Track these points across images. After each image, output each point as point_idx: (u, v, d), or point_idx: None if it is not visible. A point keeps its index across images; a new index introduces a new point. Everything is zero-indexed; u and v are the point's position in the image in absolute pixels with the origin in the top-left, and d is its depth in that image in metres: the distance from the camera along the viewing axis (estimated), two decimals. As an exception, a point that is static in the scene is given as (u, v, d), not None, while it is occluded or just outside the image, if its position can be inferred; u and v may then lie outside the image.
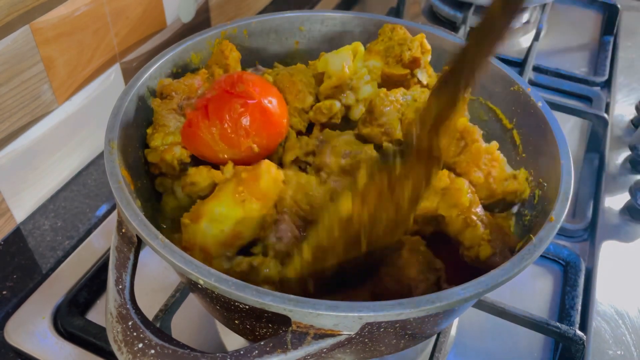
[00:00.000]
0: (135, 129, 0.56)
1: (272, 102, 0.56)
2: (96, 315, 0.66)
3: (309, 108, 0.62)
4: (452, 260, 0.52)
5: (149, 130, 0.57)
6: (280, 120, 0.57)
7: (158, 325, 0.60)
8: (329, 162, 0.56)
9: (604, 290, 0.70)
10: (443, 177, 0.51)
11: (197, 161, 0.57)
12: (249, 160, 0.54)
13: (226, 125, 0.53)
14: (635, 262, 0.74)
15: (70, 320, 0.63)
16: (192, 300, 0.66)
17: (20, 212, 0.74)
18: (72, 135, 0.78)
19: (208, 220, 0.50)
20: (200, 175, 0.54)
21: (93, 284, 0.68)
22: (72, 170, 0.81)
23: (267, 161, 0.51)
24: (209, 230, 0.49)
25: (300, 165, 0.59)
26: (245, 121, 0.53)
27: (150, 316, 0.60)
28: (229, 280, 0.40)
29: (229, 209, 0.50)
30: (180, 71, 0.63)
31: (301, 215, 0.54)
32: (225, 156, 0.54)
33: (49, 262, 0.71)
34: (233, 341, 0.64)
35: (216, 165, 0.55)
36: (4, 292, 0.66)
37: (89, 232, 0.75)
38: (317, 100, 0.63)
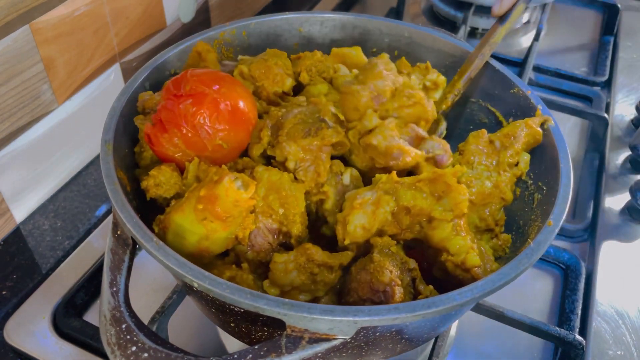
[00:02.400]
0: (133, 130, 0.55)
1: (227, 90, 0.51)
2: (94, 316, 0.66)
3: (290, 90, 0.61)
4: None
5: (136, 149, 0.55)
6: (243, 106, 0.52)
7: (155, 326, 0.59)
8: (291, 150, 0.51)
9: (604, 290, 0.69)
10: (458, 173, 0.49)
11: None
12: (224, 159, 0.51)
13: (185, 131, 0.49)
14: (635, 262, 0.73)
15: (67, 321, 0.63)
16: (191, 301, 0.66)
17: (20, 212, 0.74)
18: (72, 135, 0.78)
19: (173, 234, 0.47)
20: (164, 175, 0.51)
21: (91, 285, 0.68)
22: (72, 170, 0.81)
23: (228, 179, 0.45)
24: (175, 243, 0.47)
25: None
26: (203, 120, 0.50)
27: (148, 317, 0.60)
28: (223, 284, 0.40)
29: (192, 225, 0.46)
30: (180, 72, 0.62)
31: (275, 219, 0.50)
32: (198, 158, 0.51)
33: (49, 262, 0.71)
34: (233, 342, 0.64)
35: None
36: (4, 292, 0.67)
37: (88, 232, 0.75)
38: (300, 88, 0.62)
